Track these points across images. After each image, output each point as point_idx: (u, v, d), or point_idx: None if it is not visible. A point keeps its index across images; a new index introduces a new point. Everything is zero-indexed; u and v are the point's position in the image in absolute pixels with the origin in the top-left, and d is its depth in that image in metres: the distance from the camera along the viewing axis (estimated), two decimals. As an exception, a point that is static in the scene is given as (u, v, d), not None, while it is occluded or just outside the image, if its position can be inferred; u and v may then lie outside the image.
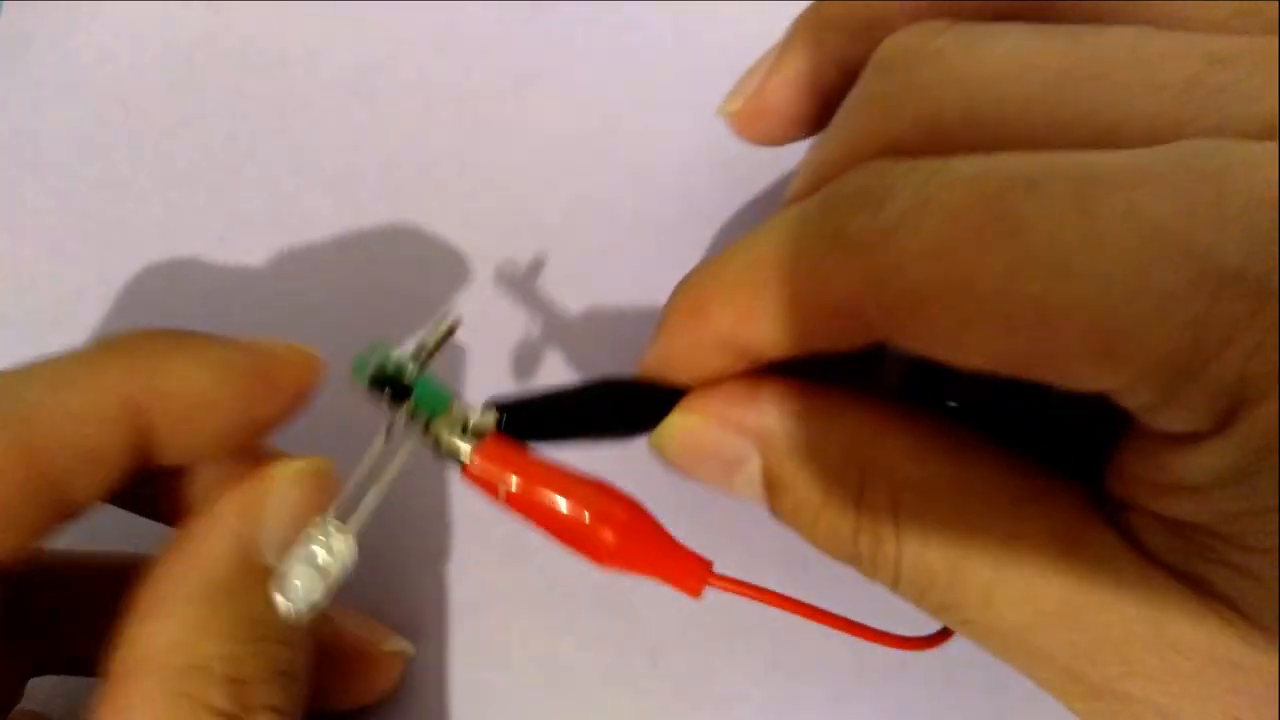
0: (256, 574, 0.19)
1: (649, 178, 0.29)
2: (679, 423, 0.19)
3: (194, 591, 0.18)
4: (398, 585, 0.26)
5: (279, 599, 0.18)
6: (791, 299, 0.16)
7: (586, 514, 0.18)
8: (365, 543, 0.26)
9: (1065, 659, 0.15)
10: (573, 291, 0.28)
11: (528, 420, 0.19)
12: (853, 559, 0.18)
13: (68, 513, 0.18)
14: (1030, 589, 0.15)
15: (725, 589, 0.19)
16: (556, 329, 0.28)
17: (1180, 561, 0.15)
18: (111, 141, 0.30)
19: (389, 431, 0.19)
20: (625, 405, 0.20)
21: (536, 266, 0.28)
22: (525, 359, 0.28)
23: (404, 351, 0.19)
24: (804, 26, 0.24)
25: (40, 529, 0.18)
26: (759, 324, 0.17)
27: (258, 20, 0.31)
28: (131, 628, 0.18)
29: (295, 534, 0.19)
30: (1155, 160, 0.13)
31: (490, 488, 0.19)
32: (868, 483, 0.17)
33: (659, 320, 0.20)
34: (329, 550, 0.18)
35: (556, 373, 0.27)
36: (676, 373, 0.19)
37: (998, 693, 0.24)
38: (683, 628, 0.25)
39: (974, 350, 0.14)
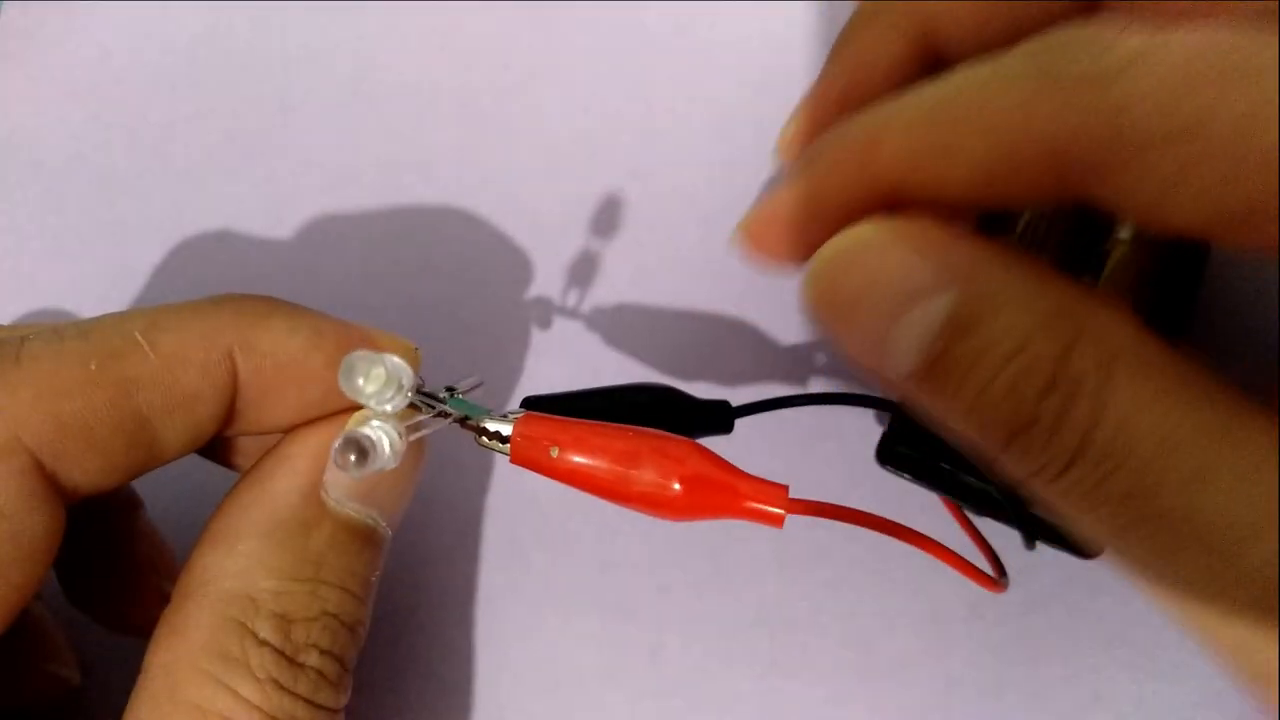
0: (318, 515, 0.19)
1: (649, 177, 0.29)
2: (863, 235, 0.16)
3: (256, 526, 0.18)
4: (398, 586, 0.26)
5: (338, 451, 0.17)
6: (990, 139, 0.15)
7: (644, 468, 0.17)
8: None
9: (1271, 571, 0.13)
10: (572, 290, 0.28)
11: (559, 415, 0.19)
12: (1025, 425, 0.15)
13: (154, 454, 0.19)
14: (1249, 476, 0.13)
15: (806, 513, 0.17)
16: (556, 328, 0.28)
17: None
18: (112, 141, 0.30)
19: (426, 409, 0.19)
20: (658, 411, 0.20)
21: (536, 265, 0.28)
22: (525, 357, 0.28)
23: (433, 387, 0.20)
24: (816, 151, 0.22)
25: (126, 465, 0.18)
26: (941, 164, 0.16)
27: (258, 20, 0.31)
28: (196, 555, 0.19)
29: (359, 484, 0.19)
30: None
31: (537, 460, 0.18)
32: (1081, 336, 0.15)
33: (805, 158, 0.17)
34: (392, 442, 0.18)
35: (555, 370, 0.27)
36: (816, 216, 0.17)
37: (998, 694, 0.24)
38: (683, 627, 0.25)
39: (1188, 201, 0.14)
